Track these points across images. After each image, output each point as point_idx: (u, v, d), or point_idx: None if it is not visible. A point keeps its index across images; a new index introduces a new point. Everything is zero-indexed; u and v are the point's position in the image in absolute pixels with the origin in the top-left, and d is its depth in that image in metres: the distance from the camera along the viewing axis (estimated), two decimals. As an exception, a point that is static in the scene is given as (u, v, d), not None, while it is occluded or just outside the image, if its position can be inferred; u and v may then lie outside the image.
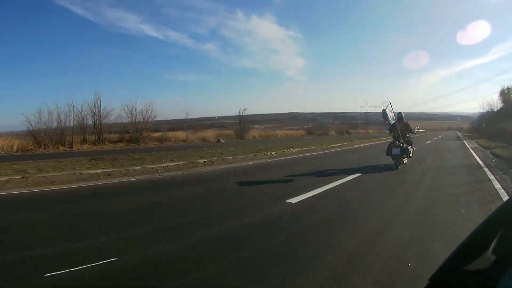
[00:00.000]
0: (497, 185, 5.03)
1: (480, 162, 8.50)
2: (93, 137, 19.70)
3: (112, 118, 20.85)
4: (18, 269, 2.11)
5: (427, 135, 36.18)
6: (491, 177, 5.90)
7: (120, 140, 21.66)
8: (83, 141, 19.23)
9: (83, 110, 19.09)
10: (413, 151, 7.88)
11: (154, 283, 1.89)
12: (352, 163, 8.35)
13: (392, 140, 7.18)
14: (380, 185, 5.27)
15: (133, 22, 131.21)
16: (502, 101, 34.24)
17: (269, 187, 5.19)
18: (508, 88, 33.58)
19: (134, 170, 6.67)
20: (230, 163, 8.62)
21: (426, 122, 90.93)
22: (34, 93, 73.32)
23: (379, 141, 20.28)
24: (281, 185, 5.25)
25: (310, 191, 4.55)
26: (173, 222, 3.22)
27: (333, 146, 14.16)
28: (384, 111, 6.99)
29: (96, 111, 19.90)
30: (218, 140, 25.10)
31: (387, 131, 7.79)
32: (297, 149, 11.79)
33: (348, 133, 43.58)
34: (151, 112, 21.95)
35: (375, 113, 62.19)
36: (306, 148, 12.39)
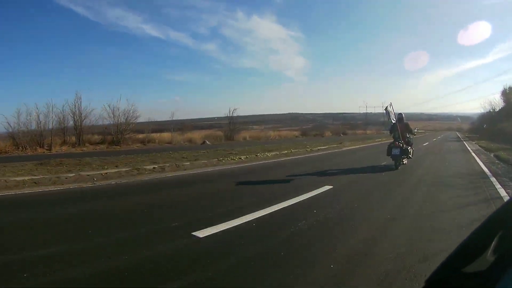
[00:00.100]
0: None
1: (485, 169, 7.09)
2: (73, 139, 18.65)
3: (93, 119, 20.12)
4: None
5: (426, 136, 34.97)
6: (502, 192, 4.44)
7: (102, 142, 20.87)
8: (63, 142, 18.43)
9: (64, 111, 18.45)
10: (412, 151, 7.76)
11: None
12: (328, 171, 6.89)
13: (392, 140, 7.15)
14: (355, 206, 3.80)
15: (133, 22, 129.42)
16: (504, 101, 33.54)
17: (186, 210, 3.73)
18: (510, 88, 32.96)
19: (66, 178, 5.78)
20: (185, 170, 7.27)
21: (426, 123, 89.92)
22: (34, 93, 71.69)
23: (373, 143, 18.82)
24: (205, 207, 3.77)
25: (229, 221, 3.08)
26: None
27: (318, 149, 12.61)
28: (386, 110, 7.20)
29: (77, 111, 19.14)
30: (204, 142, 23.80)
31: (387, 132, 7.89)
32: (274, 153, 10.29)
33: (345, 134, 42.07)
34: (133, 113, 21.04)
35: (375, 114, 61.34)
36: (286, 151, 10.85)
